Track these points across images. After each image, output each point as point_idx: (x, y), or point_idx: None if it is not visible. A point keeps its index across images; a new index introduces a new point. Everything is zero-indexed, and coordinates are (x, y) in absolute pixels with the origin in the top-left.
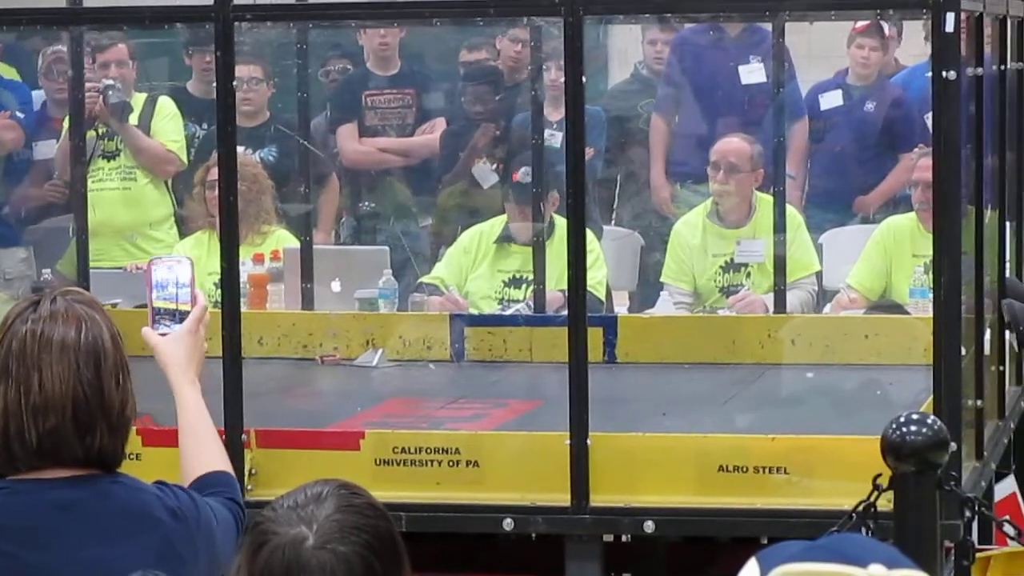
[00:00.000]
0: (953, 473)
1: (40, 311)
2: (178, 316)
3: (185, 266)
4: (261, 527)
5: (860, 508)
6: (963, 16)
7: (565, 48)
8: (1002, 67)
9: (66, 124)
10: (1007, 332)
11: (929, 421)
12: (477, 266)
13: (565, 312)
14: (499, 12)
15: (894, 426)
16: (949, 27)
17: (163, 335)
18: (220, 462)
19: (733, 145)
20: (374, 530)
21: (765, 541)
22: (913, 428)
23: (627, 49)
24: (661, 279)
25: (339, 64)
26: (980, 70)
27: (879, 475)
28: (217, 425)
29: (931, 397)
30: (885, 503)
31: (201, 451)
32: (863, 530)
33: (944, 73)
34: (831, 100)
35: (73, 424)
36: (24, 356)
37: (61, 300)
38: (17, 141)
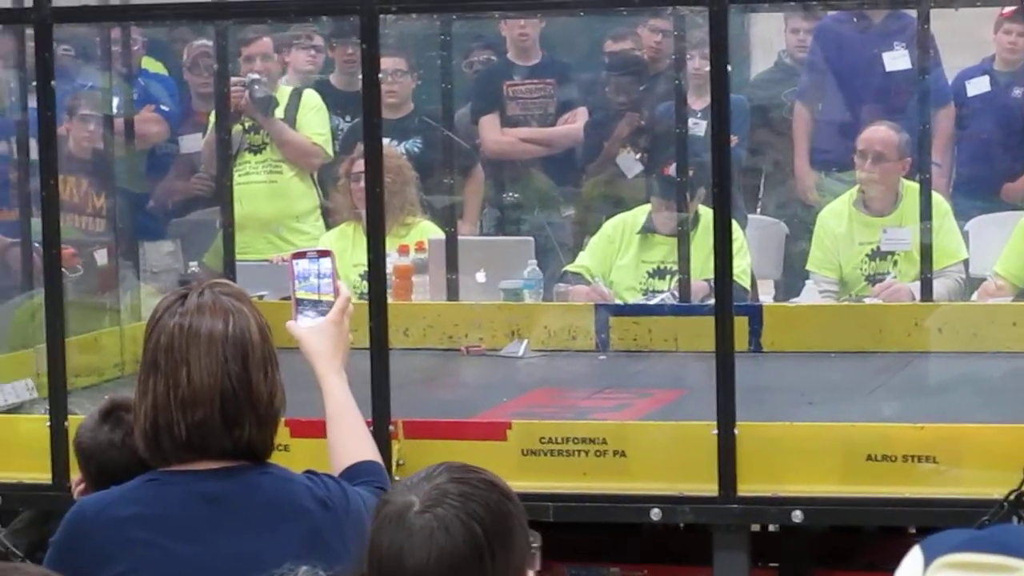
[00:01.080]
0: None
1: (188, 304)
2: (322, 307)
3: (328, 258)
4: (379, 504)
5: (1011, 497)
6: None
7: (710, 37)
8: None
9: (212, 118)
10: None
11: None
12: (621, 256)
13: (710, 301)
14: (644, 1)
15: None
16: None
17: (308, 327)
18: (369, 451)
19: (880, 134)
20: (483, 500)
21: (913, 531)
22: None
23: (770, 38)
24: (807, 267)
25: (483, 55)
26: None
27: None
28: (364, 416)
29: None
30: None
31: (349, 441)
32: (1015, 519)
33: None
34: (978, 86)
35: (221, 417)
36: (172, 350)
37: (209, 293)
38: (162, 134)
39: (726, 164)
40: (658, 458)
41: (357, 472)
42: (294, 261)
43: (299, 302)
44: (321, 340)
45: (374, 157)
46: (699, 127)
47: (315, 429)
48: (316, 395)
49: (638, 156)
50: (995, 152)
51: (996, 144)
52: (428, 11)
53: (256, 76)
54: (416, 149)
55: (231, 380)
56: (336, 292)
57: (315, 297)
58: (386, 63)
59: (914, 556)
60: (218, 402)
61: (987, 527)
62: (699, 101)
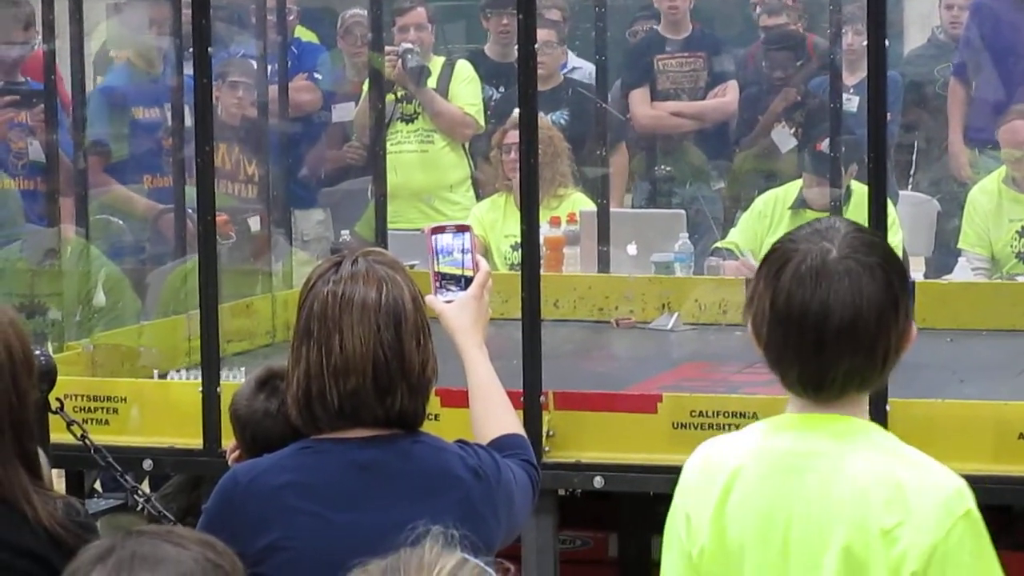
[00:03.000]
0: None
1: (341, 272)
2: (464, 282)
3: (467, 232)
4: (779, 252)
5: None
6: None
7: (867, 12)
8: None
9: (365, 87)
10: None
11: None
12: (773, 231)
13: None
14: None
15: None
16: None
17: (448, 301)
18: (513, 424)
19: (1019, 134)
20: (885, 250)
21: None
22: None
23: (928, 13)
24: (958, 245)
25: (646, 25)
26: None
27: None
28: (516, 387)
29: None
30: None
31: (493, 414)
32: None
33: None
34: None
35: (373, 385)
36: (325, 317)
37: (363, 261)
38: (315, 103)
39: (882, 140)
40: None
41: (502, 445)
42: (434, 236)
43: (440, 276)
44: (462, 314)
45: (529, 128)
46: (852, 103)
47: (465, 399)
48: (454, 367)
49: (792, 131)
50: None
51: None
52: None
53: (410, 46)
54: (563, 120)
55: (384, 348)
56: (476, 266)
57: (458, 272)
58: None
59: None
60: (371, 370)
61: None
62: (852, 76)
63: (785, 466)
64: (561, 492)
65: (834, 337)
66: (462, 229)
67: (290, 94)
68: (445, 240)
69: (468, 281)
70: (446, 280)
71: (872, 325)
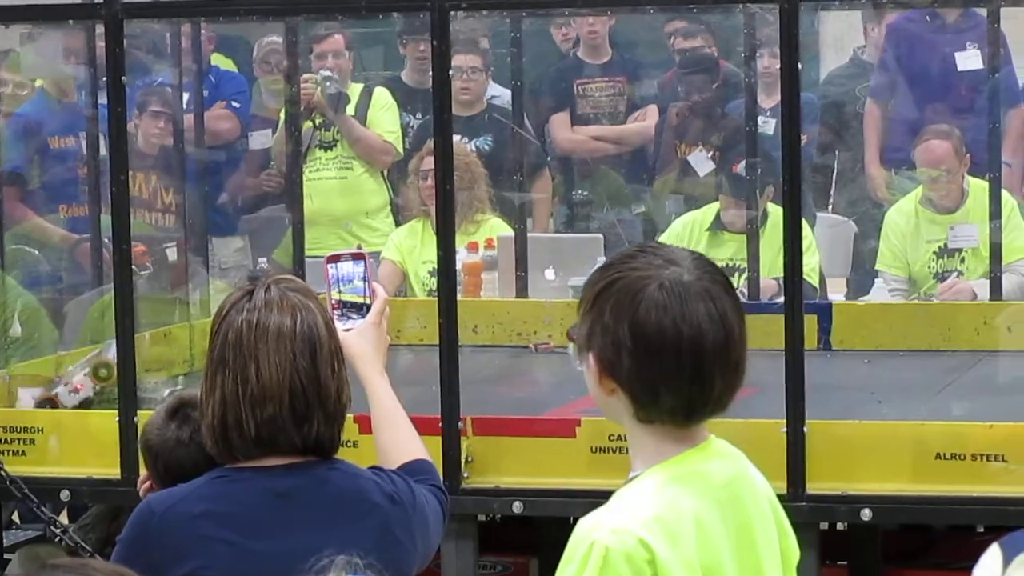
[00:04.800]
0: None
1: (255, 300)
2: (364, 309)
3: (363, 260)
4: (622, 281)
5: None
6: None
7: (780, 35)
8: None
9: (282, 114)
10: None
11: None
12: None
13: (779, 299)
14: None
15: None
16: None
17: (347, 330)
18: (419, 450)
19: (935, 152)
20: (721, 271)
21: (981, 529)
22: None
23: (842, 35)
24: (876, 267)
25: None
26: None
27: None
28: (434, 413)
29: None
30: None
31: (400, 440)
32: None
33: None
34: None
35: (291, 413)
36: (241, 346)
37: (275, 289)
38: (233, 131)
39: (797, 162)
40: None
41: (410, 471)
42: (331, 264)
43: (340, 304)
44: (362, 342)
45: (445, 154)
46: (768, 125)
47: None
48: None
49: (710, 154)
50: None
51: None
52: (498, 7)
53: (328, 73)
54: (487, 146)
55: (300, 376)
56: (373, 294)
57: (360, 300)
58: (462, 60)
59: (992, 554)
60: (287, 398)
61: None
62: (768, 99)
63: (730, 496)
64: (481, 517)
65: (711, 359)
66: (358, 257)
67: (208, 122)
68: (344, 268)
69: (367, 309)
70: (346, 308)
71: (739, 344)
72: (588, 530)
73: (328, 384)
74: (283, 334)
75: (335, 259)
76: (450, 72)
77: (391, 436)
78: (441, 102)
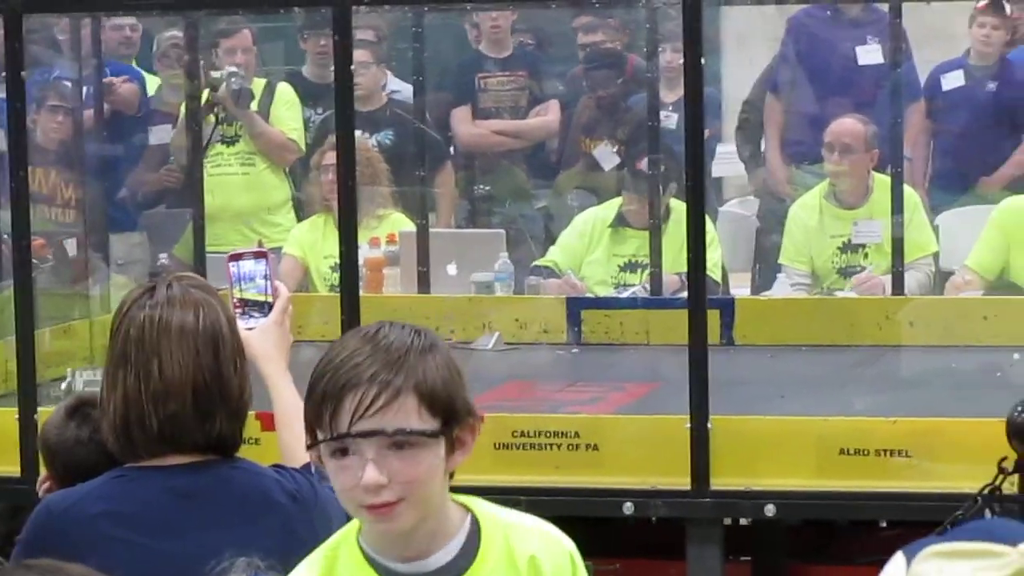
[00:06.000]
0: None
1: (157, 297)
2: (266, 308)
3: (265, 259)
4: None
5: (985, 491)
6: None
7: (684, 31)
8: None
9: (182, 110)
10: None
11: None
12: (592, 250)
13: (681, 295)
14: None
15: (1020, 408)
16: None
17: (250, 328)
18: None
19: (847, 126)
20: None
21: (884, 524)
22: None
23: (743, 31)
24: (779, 261)
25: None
26: None
27: (1004, 458)
28: None
29: None
30: (1008, 486)
31: (302, 438)
32: (987, 513)
33: None
34: (953, 81)
35: (194, 410)
36: (143, 342)
37: (177, 286)
38: (133, 99)
39: (700, 157)
40: (631, 452)
41: (314, 470)
42: (233, 263)
43: (242, 302)
44: (265, 341)
45: (347, 150)
46: (670, 120)
47: None
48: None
49: (615, 149)
50: (970, 146)
51: (971, 138)
52: (401, 3)
53: (234, 69)
54: (387, 141)
55: (203, 373)
56: (275, 292)
57: (262, 298)
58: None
59: (896, 561)
60: (190, 395)
61: (960, 523)
62: (671, 94)
63: None
64: None
65: None
66: (260, 255)
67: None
68: (246, 267)
69: (270, 307)
70: (248, 307)
71: None
72: None
73: (231, 381)
74: (186, 330)
75: (237, 257)
76: (354, 68)
77: (294, 434)
78: (343, 98)
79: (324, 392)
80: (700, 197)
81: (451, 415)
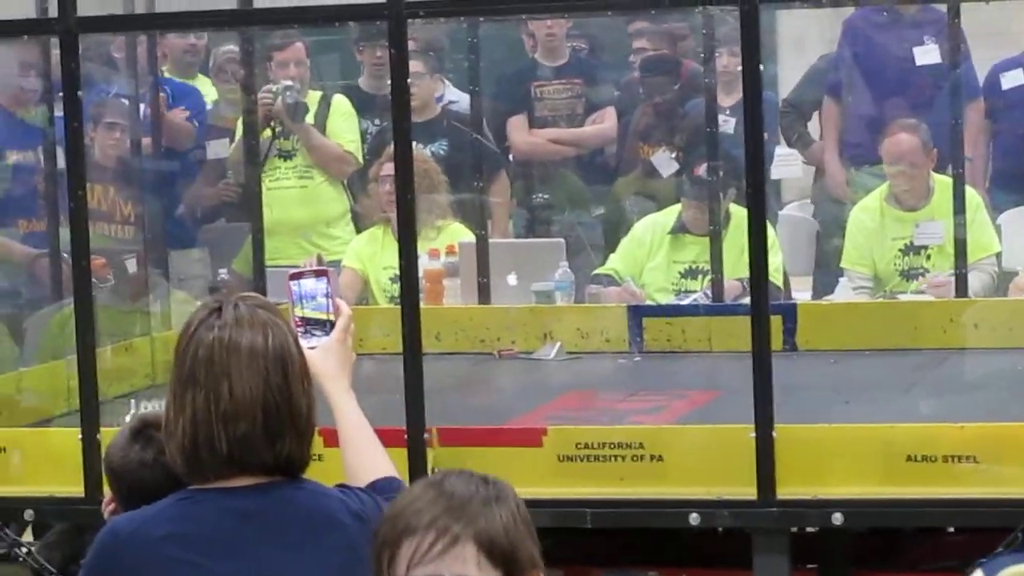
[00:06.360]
0: None
1: (224, 317)
2: (328, 326)
3: (326, 276)
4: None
5: None
6: None
7: (742, 36)
8: None
9: (239, 124)
10: None
11: None
12: (652, 257)
13: (743, 301)
14: (675, 1)
15: None
16: None
17: (312, 347)
18: (387, 467)
19: (904, 145)
20: None
21: (952, 530)
22: None
23: (800, 35)
24: (841, 264)
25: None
26: None
27: None
28: (398, 424)
29: None
30: None
31: (367, 458)
32: None
33: None
34: (1013, 79)
35: (263, 431)
36: (212, 363)
37: (244, 306)
38: (188, 136)
39: (760, 162)
40: (696, 462)
41: (379, 489)
42: (294, 281)
43: (304, 321)
44: (328, 360)
45: (404, 161)
46: (728, 124)
47: None
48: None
49: (673, 155)
50: None
51: None
52: (456, 15)
53: (289, 83)
54: (442, 151)
55: (273, 393)
56: (337, 310)
57: (324, 317)
58: None
59: None
60: (260, 416)
61: None
62: (728, 98)
63: None
64: None
65: None
66: (321, 273)
67: (167, 124)
68: (308, 285)
69: (331, 325)
70: (310, 325)
71: None
72: None
73: (299, 402)
74: (255, 351)
75: (298, 276)
76: (409, 80)
77: (359, 454)
78: (400, 110)
79: (384, 538)
80: (760, 201)
81: (513, 566)
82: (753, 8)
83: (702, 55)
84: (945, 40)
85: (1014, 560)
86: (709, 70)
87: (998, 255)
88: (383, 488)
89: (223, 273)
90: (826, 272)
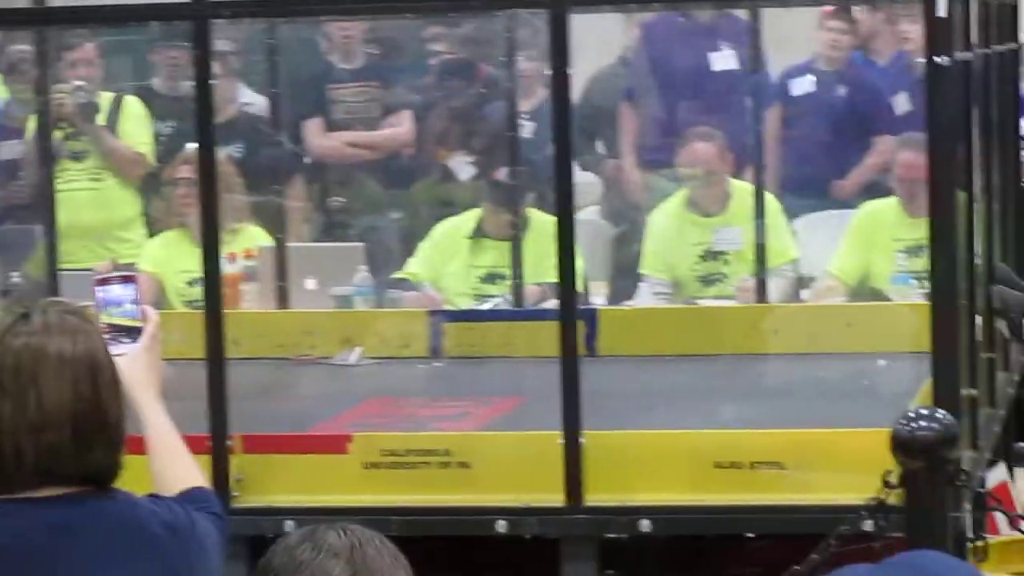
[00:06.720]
0: (965, 469)
1: (33, 324)
2: (135, 334)
3: (134, 282)
4: None
5: (872, 504)
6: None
7: (551, 40)
8: (987, 51)
9: (30, 125)
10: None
11: (939, 416)
12: (451, 261)
13: (543, 306)
14: (483, 5)
15: (904, 422)
16: (941, 11)
17: (119, 355)
18: (196, 477)
19: (699, 153)
20: None
21: (752, 536)
22: (923, 423)
23: (609, 37)
24: (640, 270)
25: None
26: (969, 55)
27: (889, 471)
28: (199, 431)
29: (926, 387)
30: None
31: (176, 468)
32: (869, 524)
33: (936, 59)
34: (803, 86)
35: (72, 441)
36: (20, 371)
37: (53, 312)
38: None
39: (568, 167)
40: (503, 469)
41: (189, 499)
42: (100, 287)
43: (111, 328)
44: (136, 367)
45: (207, 163)
46: (527, 128)
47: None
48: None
49: (471, 159)
50: (821, 150)
51: (822, 142)
52: (261, 15)
53: (81, 83)
54: (237, 154)
55: (83, 402)
56: (144, 317)
57: (131, 323)
58: None
59: None
60: (69, 425)
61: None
62: (526, 102)
63: None
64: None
65: None
66: (129, 279)
67: None
68: (115, 291)
69: (139, 332)
70: (118, 332)
71: None
72: None
73: (110, 410)
74: (64, 359)
75: (104, 282)
76: (211, 81)
77: (169, 464)
78: (203, 112)
79: None
80: (569, 206)
81: None
82: (561, 13)
83: (503, 59)
84: (745, 46)
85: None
86: (512, 74)
87: (794, 261)
88: (194, 498)
89: (15, 276)
90: (622, 277)
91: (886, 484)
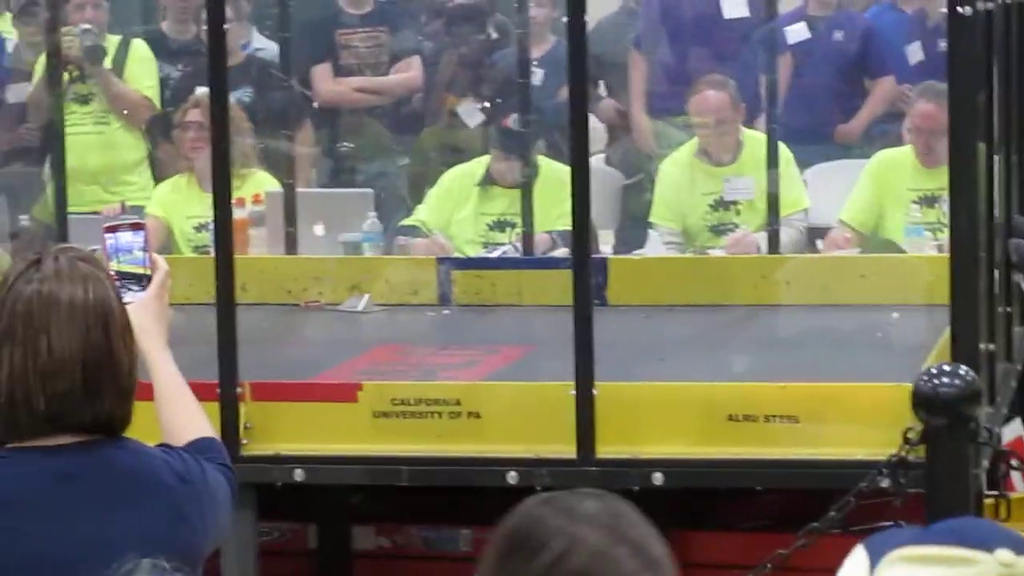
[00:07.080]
0: (987, 426)
1: (44, 270)
2: (144, 282)
3: (144, 229)
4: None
5: (893, 461)
6: None
7: None
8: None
9: (38, 67)
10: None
11: (962, 372)
12: (460, 209)
13: (552, 254)
14: None
15: (925, 378)
16: None
17: (128, 302)
18: (205, 427)
19: (711, 101)
20: None
21: (760, 489)
22: (946, 380)
23: None
24: (650, 219)
25: None
26: (991, 4)
27: (909, 428)
28: (207, 378)
29: (943, 341)
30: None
31: (183, 418)
32: (893, 482)
33: (960, 8)
34: (797, 33)
35: (83, 388)
36: (31, 317)
37: (64, 258)
38: None
39: (583, 116)
40: (514, 419)
41: (197, 449)
42: (109, 234)
43: (119, 275)
44: (145, 315)
45: (220, 107)
46: (536, 76)
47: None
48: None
49: (480, 106)
50: (822, 97)
51: (823, 89)
52: None
53: (87, 26)
54: (246, 99)
55: (94, 349)
56: (153, 265)
57: (140, 271)
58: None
59: (857, 557)
60: (80, 373)
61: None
62: (537, 48)
63: None
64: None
65: None
66: (137, 227)
67: None
68: (124, 238)
69: (148, 280)
70: (125, 279)
71: None
72: None
73: (121, 358)
74: (76, 305)
75: (113, 229)
76: (225, 25)
77: (177, 413)
78: (216, 56)
79: None
80: (584, 154)
81: None
82: None
83: (515, 5)
84: None
85: (898, 540)
86: (523, 20)
87: (805, 210)
88: (202, 448)
89: (24, 220)
90: (632, 226)
91: (906, 440)
